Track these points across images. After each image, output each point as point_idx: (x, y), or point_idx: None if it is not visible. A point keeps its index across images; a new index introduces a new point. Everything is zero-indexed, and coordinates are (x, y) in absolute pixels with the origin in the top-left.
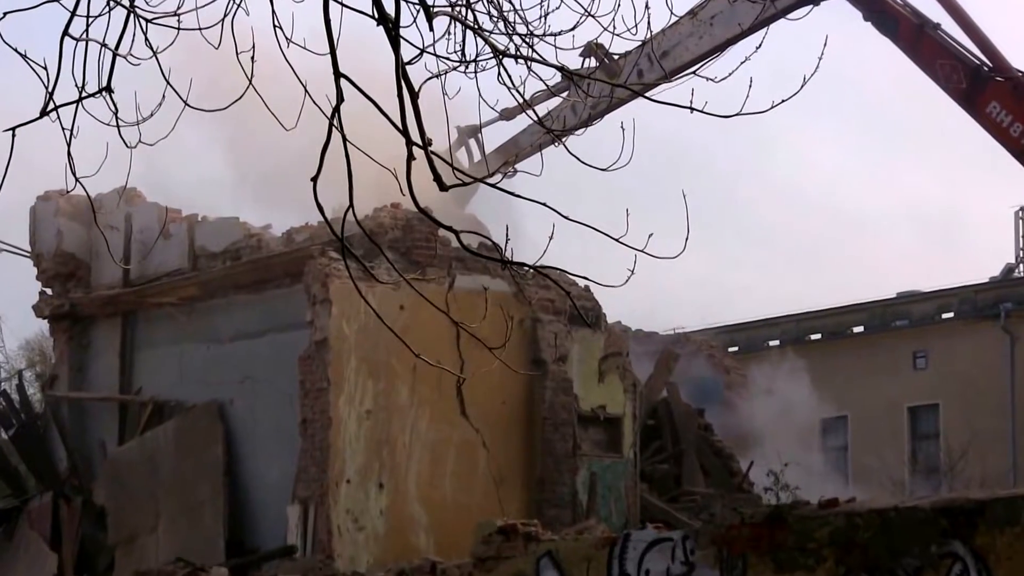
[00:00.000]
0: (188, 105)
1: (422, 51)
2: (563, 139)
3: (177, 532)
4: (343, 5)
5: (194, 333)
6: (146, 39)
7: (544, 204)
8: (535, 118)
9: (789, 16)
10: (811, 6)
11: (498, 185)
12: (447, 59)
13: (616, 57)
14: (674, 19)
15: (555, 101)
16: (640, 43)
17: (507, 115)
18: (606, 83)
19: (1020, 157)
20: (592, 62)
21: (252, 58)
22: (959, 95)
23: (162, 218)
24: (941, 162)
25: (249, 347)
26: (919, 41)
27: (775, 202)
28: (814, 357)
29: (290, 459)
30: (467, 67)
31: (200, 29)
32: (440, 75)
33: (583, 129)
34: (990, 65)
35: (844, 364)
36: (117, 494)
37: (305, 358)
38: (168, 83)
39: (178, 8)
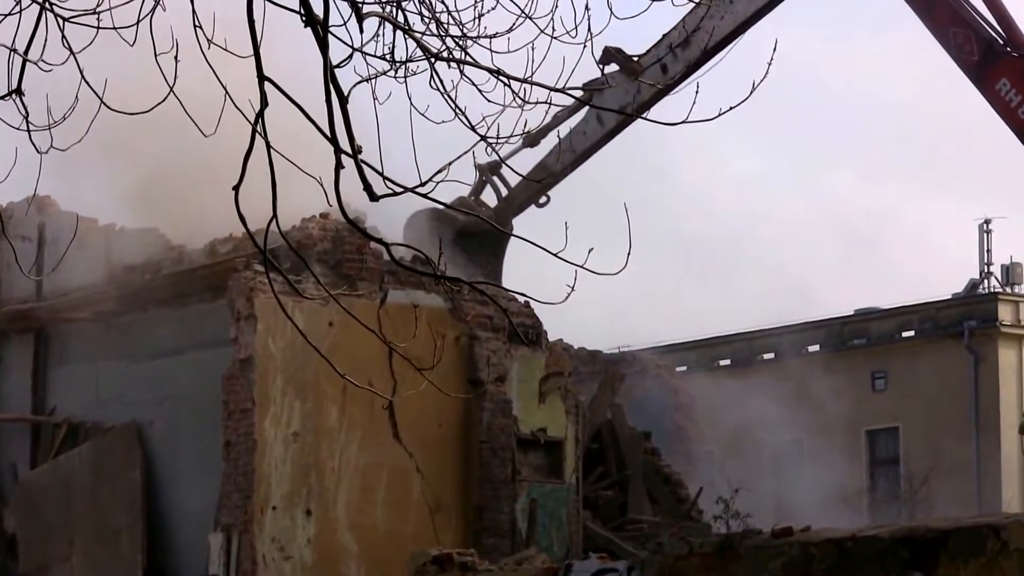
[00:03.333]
0: (107, 106)
1: (352, 52)
2: (550, 185)
3: (92, 561)
4: (273, 3)
5: (111, 350)
6: (63, 38)
7: (480, 217)
8: (467, 124)
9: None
10: None
11: (430, 195)
12: (382, 58)
13: (635, 58)
14: (691, 5)
15: (576, 118)
16: (660, 36)
17: (530, 141)
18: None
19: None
20: (613, 67)
21: (176, 58)
22: (969, 67)
23: (78, 229)
24: (869, 171)
25: (169, 365)
26: (934, 5)
27: (687, 210)
28: (767, 377)
29: (212, 484)
30: (397, 71)
31: (117, 28)
32: (370, 79)
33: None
34: (1005, 39)
35: (799, 385)
36: (29, 521)
37: (228, 377)
38: (88, 84)
39: (97, 6)
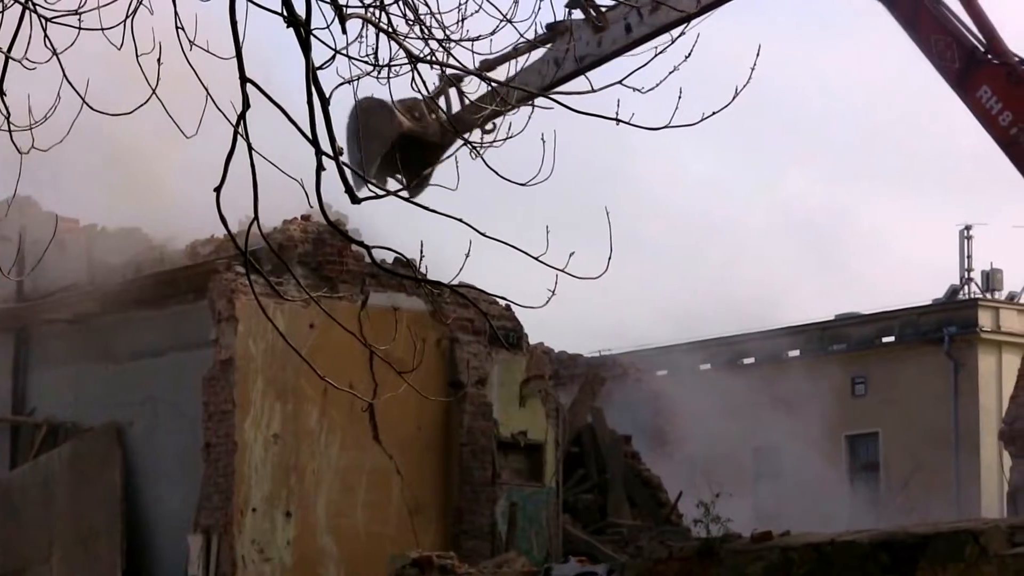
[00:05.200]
0: (89, 107)
1: (334, 54)
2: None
3: (71, 562)
4: (255, 4)
5: (91, 351)
6: (45, 38)
7: (460, 220)
8: (444, 120)
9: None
10: None
11: (413, 200)
12: (364, 61)
13: (604, 10)
14: None
15: (536, 54)
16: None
17: (486, 66)
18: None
19: (1006, 148)
20: (577, 14)
21: (159, 60)
22: (951, 75)
23: (59, 229)
24: (830, 172)
25: (150, 366)
26: (916, 12)
27: (649, 212)
28: (747, 382)
29: (192, 485)
30: (379, 73)
31: (102, 29)
32: (352, 81)
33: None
34: (986, 46)
35: (779, 390)
36: (7, 522)
37: (209, 378)
38: (70, 84)
39: (80, 6)
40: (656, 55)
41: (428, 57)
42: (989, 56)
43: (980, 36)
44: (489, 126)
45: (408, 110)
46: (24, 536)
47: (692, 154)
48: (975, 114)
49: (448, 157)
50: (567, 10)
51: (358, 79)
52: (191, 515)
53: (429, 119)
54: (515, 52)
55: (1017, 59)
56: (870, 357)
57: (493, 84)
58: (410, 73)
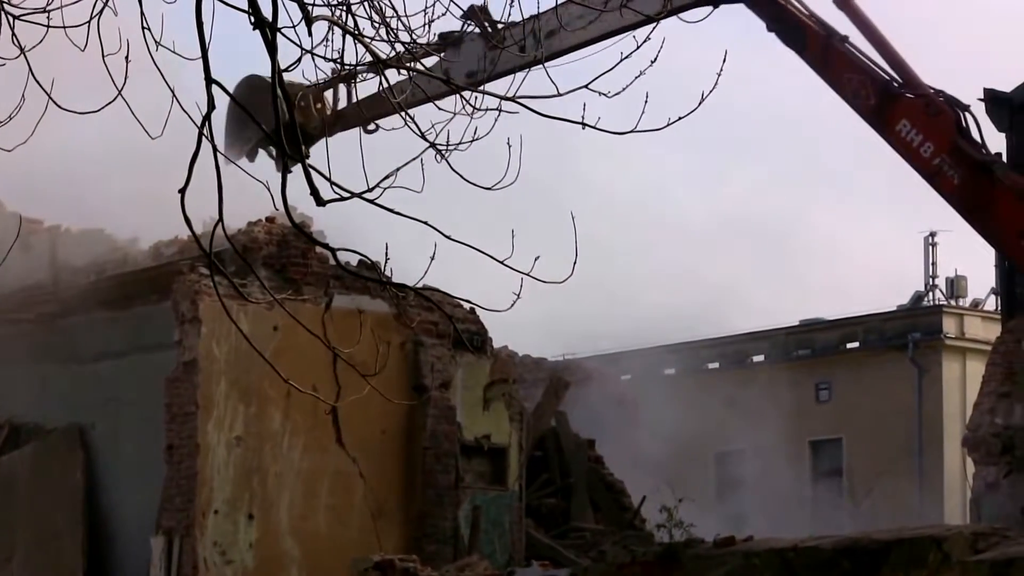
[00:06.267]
0: (58, 106)
1: (300, 56)
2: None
3: (33, 564)
4: (225, 3)
5: (54, 352)
6: (13, 36)
7: (426, 223)
8: (417, 131)
9: (683, 16)
10: (710, 8)
11: (377, 201)
12: (332, 61)
13: (500, 25)
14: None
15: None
16: (528, 17)
17: (337, 80)
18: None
19: (931, 179)
20: (472, 26)
21: (127, 58)
22: (868, 112)
23: (23, 230)
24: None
25: (113, 367)
26: (827, 54)
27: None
28: (712, 387)
29: (155, 487)
30: (345, 77)
31: (65, 28)
32: (318, 85)
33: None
34: (900, 81)
35: (743, 395)
36: None
37: (172, 380)
38: (39, 84)
39: (47, 5)
40: (621, 60)
41: (394, 61)
42: (904, 90)
43: (892, 72)
44: (372, 126)
45: (294, 98)
46: None
47: (649, 155)
48: (896, 148)
49: (415, 160)
50: (462, 22)
51: (324, 83)
52: (153, 517)
53: (314, 110)
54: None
55: (932, 90)
56: (834, 363)
57: (454, 85)
58: (376, 76)
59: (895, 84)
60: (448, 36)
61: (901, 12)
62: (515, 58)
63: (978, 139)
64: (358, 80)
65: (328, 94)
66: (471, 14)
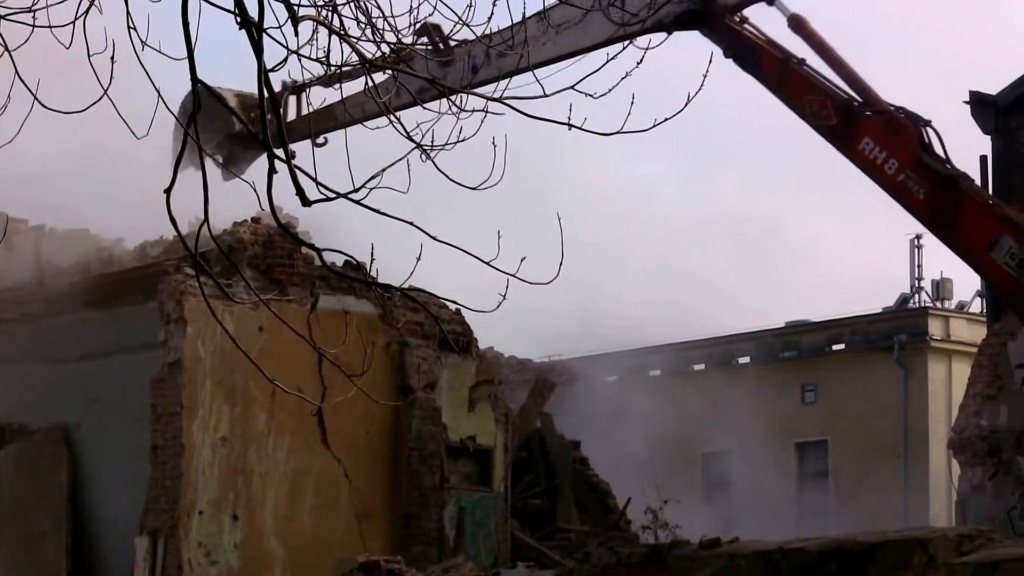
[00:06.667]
0: (43, 105)
1: (287, 56)
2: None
3: (16, 564)
4: (211, 4)
5: (39, 351)
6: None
7: (411, 224)
8: (403, 132)
9: (637, 42)
10: (665, 34)
11: (362, 202)
12: (318, 61)
13: (453, 44)
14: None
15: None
16: (479, 36)
17: (325, 81)
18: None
19: (896, 195)
20: (424, 42)
21: (112, 58)
22: (829, 132)
23: (8, 229)
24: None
25: (98, 367)
26: (785, 76)
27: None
28: (698, 388)
29: (139, 488)
30: (332, 77)
31: (51, 27)
32: (305, 85)
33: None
34: (860, 100)
35: (729, 396)
36: None
37: (157, 380)
38: (24, 84)
39: (33, 4)
40: (608, 61)
41: (380, 62)
42: (864, 109)
43: (850, 91)
44: (321, 139)
45: (243, 107)
46: None
47: (634, 157)
48: (861, 167)
49: (400, 160)
50: (414, 38)
51: (310, 83)
52: (138, 517)
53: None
54: (357, 71)
55: (893, 107)
56: (820, 365)
57: (444, 91)
58: (363, 76)
59: (855, 103)
60: (399, 50)
61: (890, 12)
62: (466, 77)
63: (942, 154)
64: (343, 81)
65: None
66: (424, 31)
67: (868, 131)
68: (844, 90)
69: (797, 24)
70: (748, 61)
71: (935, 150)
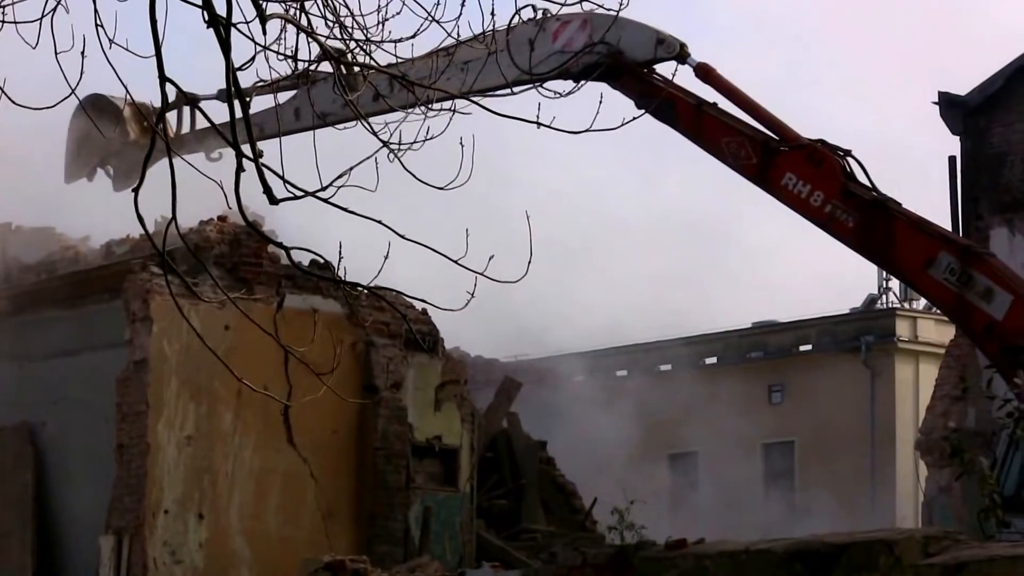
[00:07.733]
0: (12, 101)
1: (255, 55)
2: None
3: None
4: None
5: (4, 350)
6: None
7: (380, 222)
8: (370, 130)
9: (543, 89)
10: (573, 83)
11: (331, 200)
12: (287, 57)
13: (356, 70)
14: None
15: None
16: (386, 65)
17: (224, 98)
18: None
19: (825, 227)
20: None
21: (83, 53)
22: (751, 172)
23: None
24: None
25: (63, 366)
26: (700, 122)
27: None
28: (665, 389)
29: (104, 486)
30: (299, 76)
31: (16, 23)
32: (273, 83)
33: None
34: (777, 137)
35: (696, 397)
36: None
37: (123, 379)
38: None
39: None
40: (573, 57)
41: (349, 59)
42: (783, 145)
43: (765, 130)
44: (215, 154)
45: (137, 117)
46: None
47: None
48: (786, 203)
49: (368, 159)
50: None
51: (277, 82)
52: (103, 516)
53: (158, 131)
54: (270, 88)
55: (811, 141)
56: (787, 365)
57: (411, 89)
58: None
59: (774, 140)
60: (305, 74)
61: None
62: (369, 105)
63: (866, 182)
64: (309, 78)
65: (171, 116)
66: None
67: (790, 166)
68: (760, 130)
69: (704, 73)
70: (661, 111)
71: (858, 180)
